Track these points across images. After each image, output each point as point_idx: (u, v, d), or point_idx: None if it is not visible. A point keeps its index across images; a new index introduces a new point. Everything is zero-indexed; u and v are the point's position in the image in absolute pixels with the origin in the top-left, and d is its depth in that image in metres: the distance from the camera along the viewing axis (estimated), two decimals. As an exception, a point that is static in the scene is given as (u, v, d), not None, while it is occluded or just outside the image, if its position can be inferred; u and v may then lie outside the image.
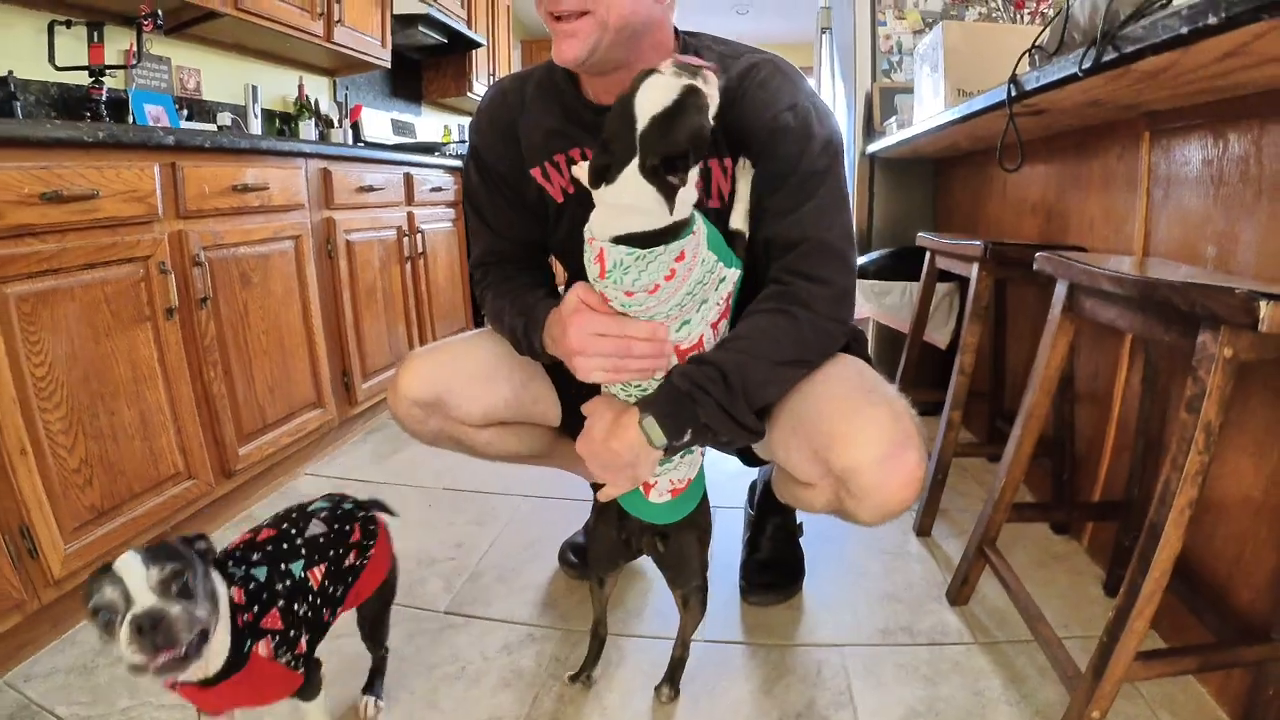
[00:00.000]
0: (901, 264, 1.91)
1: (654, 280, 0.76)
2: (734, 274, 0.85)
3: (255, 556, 0.80)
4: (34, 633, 1.09)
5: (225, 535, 1.51)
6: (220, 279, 1.43)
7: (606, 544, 1.00)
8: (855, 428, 0.80)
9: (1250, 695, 0.90)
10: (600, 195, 0.76)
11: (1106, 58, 0.85)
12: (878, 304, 1.84)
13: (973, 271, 1.37)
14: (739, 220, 0.89)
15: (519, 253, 1.06)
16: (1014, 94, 1.14)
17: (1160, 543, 0.76)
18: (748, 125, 0.86)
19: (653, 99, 0.72)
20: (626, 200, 0.73)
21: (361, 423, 2.16)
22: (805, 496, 0.91)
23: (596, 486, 0.92)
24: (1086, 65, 0.89)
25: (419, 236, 2.34)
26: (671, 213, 0.74)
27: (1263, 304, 0.65)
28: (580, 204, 0.90)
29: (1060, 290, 1.03)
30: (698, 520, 0.96)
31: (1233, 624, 0.94)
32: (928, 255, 1.64)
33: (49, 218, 1.05)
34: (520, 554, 1.45)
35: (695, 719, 1.00)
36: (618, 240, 0.75)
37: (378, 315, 2.11)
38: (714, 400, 0.79)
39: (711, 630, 1.14)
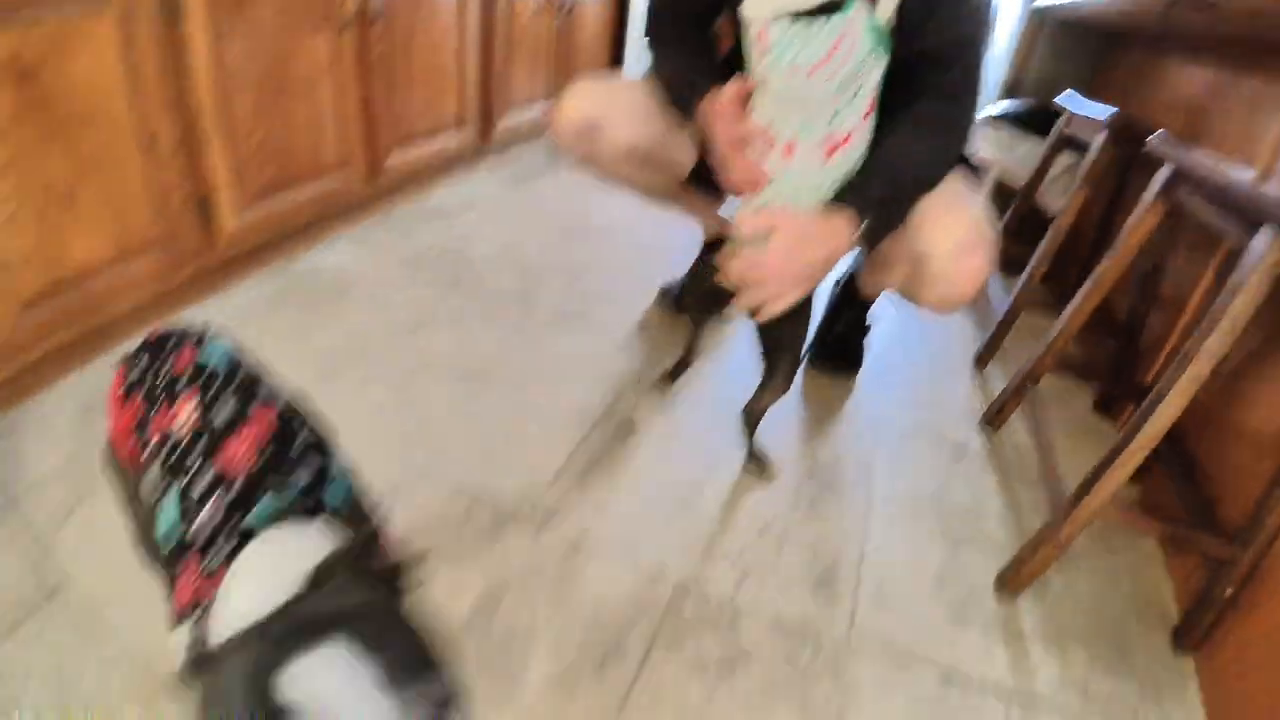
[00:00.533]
0: (1041, 120, 1.83)
1: (815, 58, 0.81)
2: (882, 65, 0.89)
3: None
4: (201, 285, 1.32)
5: (365, 231, 1.74)
6: (394, 3, 1.54)
7: (709, 289, 1.05)
8: (939, 222, 0.96)
9: (1203, 591, 0.97)
10: None
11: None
12: (1007, 153, 1.80)
13: (1097, 139, 1.36)
14: (888, 10, 0.88)
15: (697, 8, 1.11)
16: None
17: (1162, 404, 0.86)
18: None
19: None
20: None
21: (496, 155, 2.31)
22: (883, 276, 1.06)
23: (711, 245, 1.05)
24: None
25: (570, -6, 2.35)
26: None
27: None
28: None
29: (1163, 173, 1.07)
30: (805, 303, 1.00)
31: (1210, 521, 1.03)
32: (1061, 117, 1.59)
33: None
34: (625, 282, 1.64)
35: (734, 448, 1.19)
36: (778, 16, 0.80)
37: (524, 60, 2.19)
38: (901, 211, 0.95)
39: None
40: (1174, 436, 1.09)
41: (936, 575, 1.04)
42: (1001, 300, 1.60)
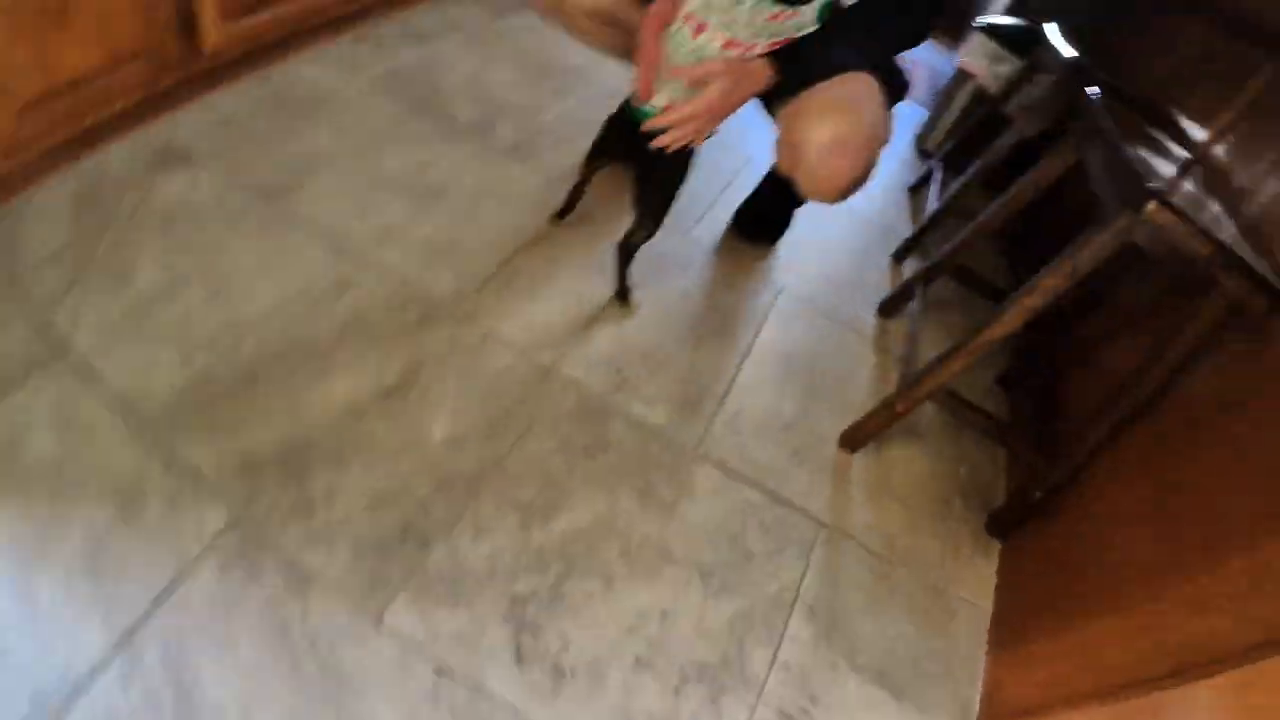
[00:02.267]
0: (1036, 44, 1.86)
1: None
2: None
3: None
4: (185, 91, 1.41)
5: (340, 50, 1.82)
6: None
7: (604, 135, 1.23)
8: (822, 115, 1.06)
9: (1019, 490, 1.20)
10: None
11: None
12: (989, 66, 1.86)
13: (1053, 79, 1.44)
14: None
15: None
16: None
17: (998, 321, 1.06)
18: None
19: None
20: None
21: None
22: (776, 153, 1.18)
23: (634, 117, 1.13)
24: None
25: None
26: None
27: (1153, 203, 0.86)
28: None
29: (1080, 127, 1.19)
30: (685, 159, 1.16)
31: (1045, 436, 1.24)
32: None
33: None
34: (579, 124, 1.74)
35: (646, 286, 1.38)
36: None
37: None
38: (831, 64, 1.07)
39: (689, 253, 1.50)
40: (1049, 363, 1.28)
41: (789, 420, 1.26)
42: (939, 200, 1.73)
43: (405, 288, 1.22)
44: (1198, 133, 1.31)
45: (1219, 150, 1.24)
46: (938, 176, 1.86)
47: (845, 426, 1.26)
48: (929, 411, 1.35)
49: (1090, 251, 0.96)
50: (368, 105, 1.61)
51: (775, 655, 0.95)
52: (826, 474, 1.20)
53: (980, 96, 1.96)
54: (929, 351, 1.26)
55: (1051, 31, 1.62)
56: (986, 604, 1.11)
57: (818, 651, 0.97)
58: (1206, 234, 0.86)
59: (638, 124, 1.11)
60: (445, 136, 1.59)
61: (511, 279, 1.30)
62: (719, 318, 1.39)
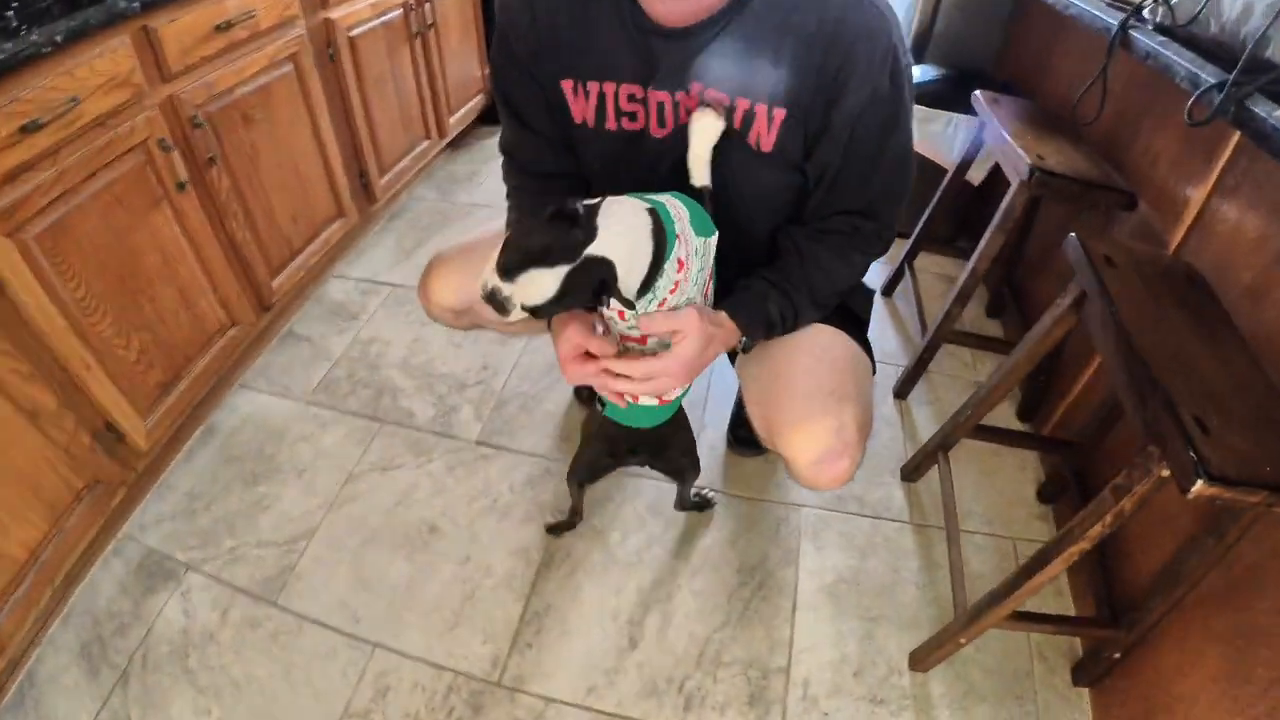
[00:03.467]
0: (955, 92, 1.76)
1: (663, 297, 0.85)
2: (713, 241, 0.90)
3: None
4: (137, 492, 1.41)
5: (270, 359, 1.78)
6: (224, 130, 1.43)
7: (593, 456, 1.19)
8: (799, 433, 0.95)
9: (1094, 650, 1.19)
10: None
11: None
12: (920, 131, 1.75)
13: (1012, 188, 1.37)
14: (702, 177, 0.91)
15: (553, 154, 1.02)
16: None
17: (1060, 553, 0.99)
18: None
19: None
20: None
21: (383, 213, 2.27)
22: (753, 420, 1.09)
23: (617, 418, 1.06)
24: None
25: (427, 6, 2.12)
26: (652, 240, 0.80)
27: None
28: (605, 140, 0.95)
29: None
30: (681, 415, 1.11)
31: (1107, 604, 1.20)
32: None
33: (38, 147, 1.06)
34: (540, 379, 1.72)
35: (672, 560, 1.36)
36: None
37: (390, 104, 2.05)
38: (790, 325, 0.99)
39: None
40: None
41: (857, 665, 1.23)
42: (918, 328, 1.67)
43: (440, 675, 1.20)
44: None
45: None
46: (908, 273, 1.78)
47: (911, 642, 1.25)
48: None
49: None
50: (321, 433, 1.58)
51: None
52: (910, 708, 1.19)
53: (922, 165, 1.86)
54: (970, 505, 1.28)
55: (982, 104, 1.53)
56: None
57: None
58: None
59: (623, 429, 1.08)
60: (411, 446, 1.55)
61: (540, 620, 1.28)
62: (753, 572, 1.36)
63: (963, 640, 1.14)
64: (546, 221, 0.76)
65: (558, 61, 0.92)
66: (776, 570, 1.35)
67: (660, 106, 0.90)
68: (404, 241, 2.20)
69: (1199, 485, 0.76)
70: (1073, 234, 1.07)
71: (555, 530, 1.40)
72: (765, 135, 0.88)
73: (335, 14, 1.73)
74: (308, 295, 1.93)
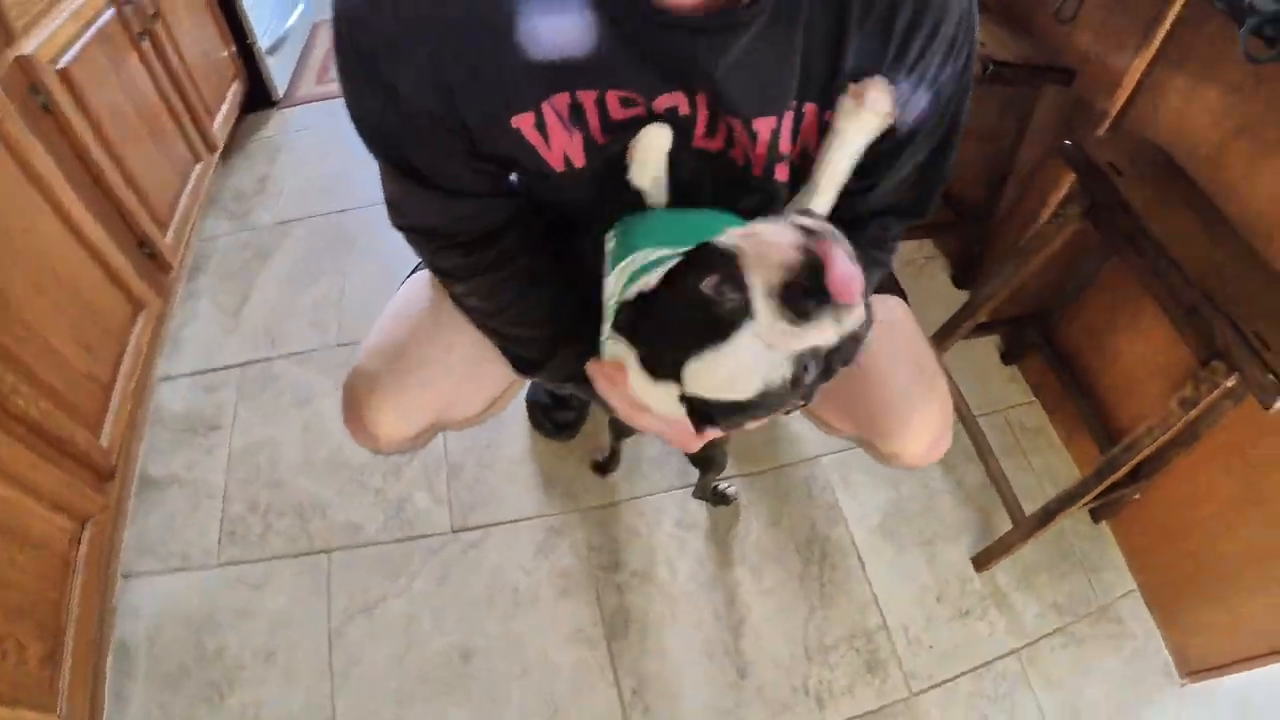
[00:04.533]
0: None
1: None
2: None
3: None
4: None
5: (143, 527, 1.34)
6: None
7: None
8: (911, 427, 0.87)
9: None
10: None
11: None
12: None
13: None
14: (825, 204, 0.67)
15: (488, 209, 0.73)
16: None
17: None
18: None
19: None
20: None
21: (180, 277, 1.70)
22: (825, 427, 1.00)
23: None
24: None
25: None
26: None
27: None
28: (600, 181, 0.68)
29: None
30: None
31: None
32: None
33: None
34: (484, 426, 1.47)
35: (730, 571, 1.31)
36: None
37: (139, 136, 1.44)
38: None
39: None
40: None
41: (936, 590, 1.32)
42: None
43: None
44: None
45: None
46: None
47: (965, 547, 1.36)
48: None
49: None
50: (261, 598, 1.26)
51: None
52: (991, 605, 1.31)
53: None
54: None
55: None
56: (1131, 583, 1.36)
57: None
58: None
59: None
60: (381, 568, 1.28)
61: (642, 696, 1.18)
62: (808, 547, 1.35)
63: (1031, 539, 1.25)
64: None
65: (499, 93, 0.62)
66: (829, 534, 1.36)
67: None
68: (223, 301, 1.68)
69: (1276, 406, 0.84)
70: (1068, 141, 1.07)
71: (602, 470, 1.36)
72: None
73: (28, 47, 1.13)
74: (144, 424, 1.44)
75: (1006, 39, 1.34)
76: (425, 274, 0.90)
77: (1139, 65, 1.18)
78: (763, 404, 0.50)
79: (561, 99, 0.62)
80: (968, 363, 1.58)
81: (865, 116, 0.61)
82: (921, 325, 0.94)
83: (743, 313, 0.46)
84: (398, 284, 0.94)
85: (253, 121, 2.14)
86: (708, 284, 0.48)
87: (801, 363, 0.48)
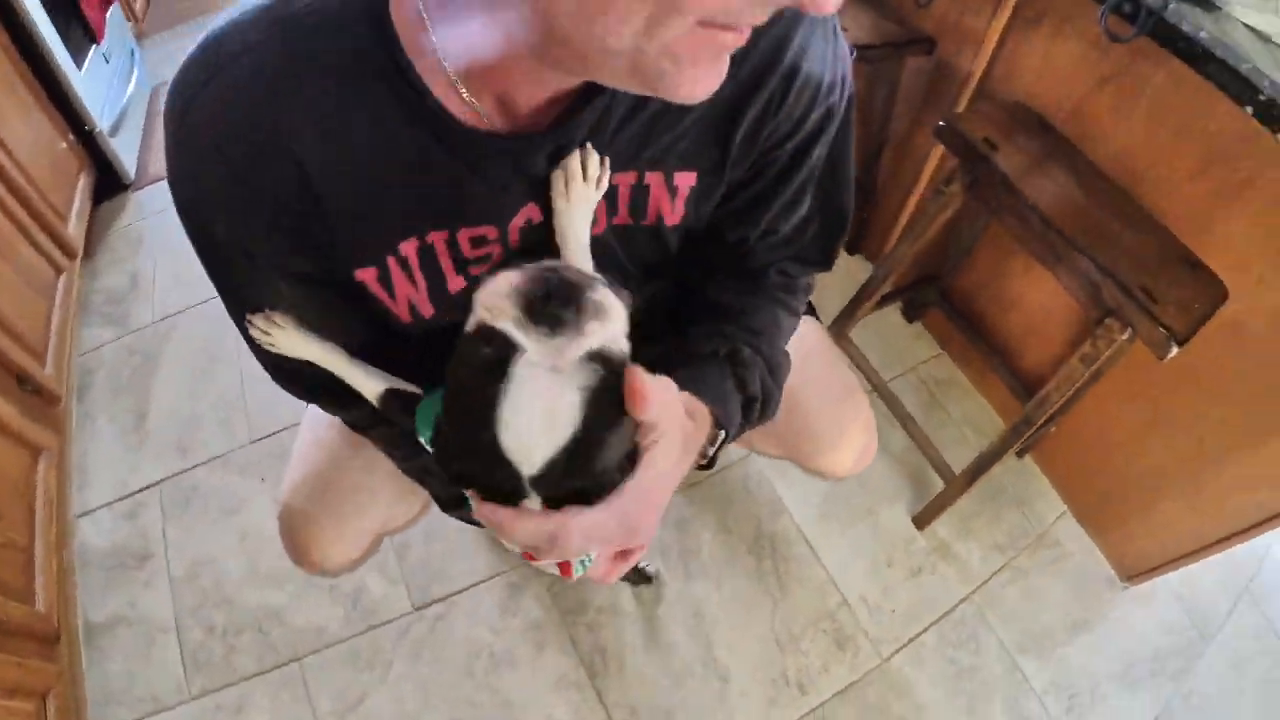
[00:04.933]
0: None
1: None
2: None
3: None
4: None
5: (101, 676, 1.30)
6: None
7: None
8: (839, 448, 0.91)
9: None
10: None
11: None
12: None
13: None
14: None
15: (366, 328, 0.67)
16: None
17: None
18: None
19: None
20: None
21: (69, 402, 1.61)
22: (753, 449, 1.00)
23: None
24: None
25: None
26: None
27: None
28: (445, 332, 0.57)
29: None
30: None
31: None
32: None
33: None
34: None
35: (690, 584, 1.36)
36: None
37: None
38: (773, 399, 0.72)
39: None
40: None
41: (885, 556, 1.40)
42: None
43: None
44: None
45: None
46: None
47: (903, 508, 1.46)
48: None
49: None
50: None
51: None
52: (939, 559, 1.41)
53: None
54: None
55: None
56: (1062, 507, 1.49)
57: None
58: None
59: None
60: (355, 662, 1.28)
61: (635, 731, 1.24)
62: (754, 539, 1.41)
63: (963, 496, 1.33)
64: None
65: (340, 243, 0.57)
66: (774, 528, 1.42)
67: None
68: (120, 417, 1.59)
69: (1174, 351, 0.92)
70: (942, 122, 1.11)
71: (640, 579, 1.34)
72: (669, 208, 0.66)
73: None
74: (73, 571, 1.39)
75: (868, 22, 1.36)
76: None
77: (996, 27, 1.22)
78: (595, 438, 0.45)
79: (409, 244, 0.58)
80: (871, 328, 1.63)
81: (575, 189, 0.58)
82: (822, 299, 0.94)
83: (508, 353, 0.42)
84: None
85: (108, 211, 2.01)
86: (470, 360, 0.44)
87: (592, 372, 0.43)
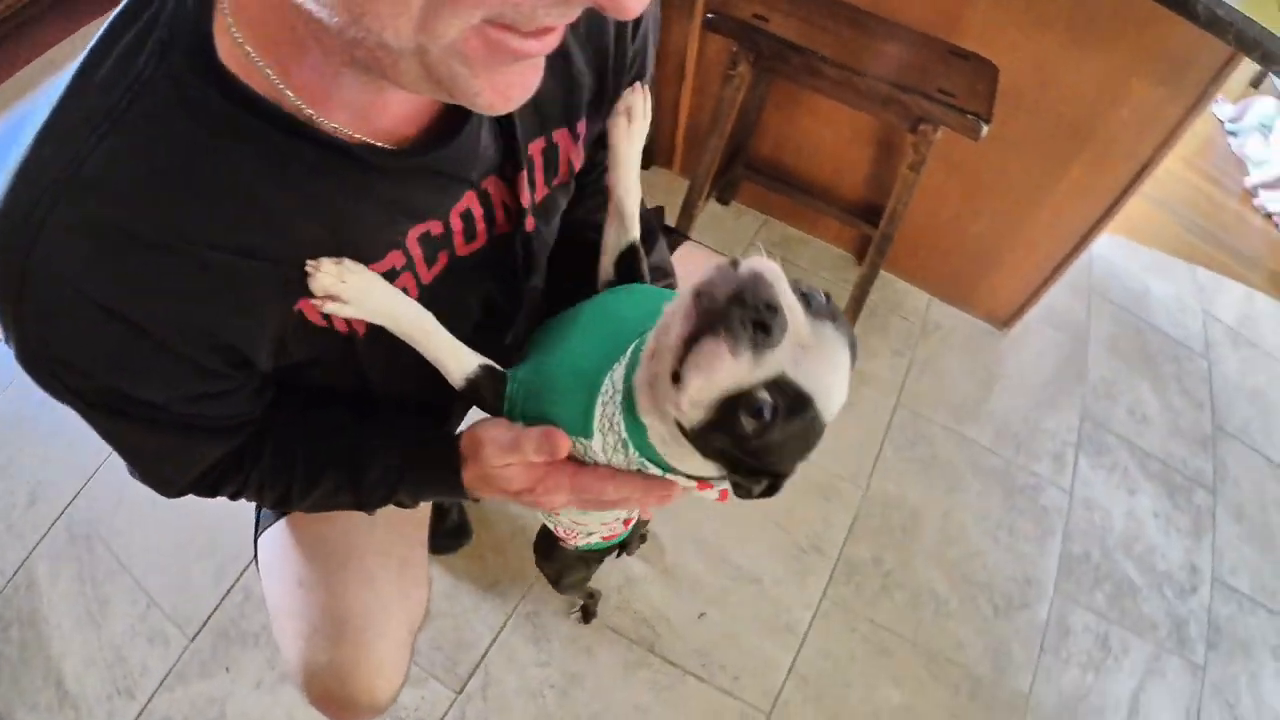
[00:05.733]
0: None
1: None
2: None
3: None
4: None
5: None
6: None
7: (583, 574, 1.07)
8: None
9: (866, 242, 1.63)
10: None
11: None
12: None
13: None
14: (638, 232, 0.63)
15: (256, 400, 0.60)
16: None
17: None
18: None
19: None
20: None
21: None
22: None
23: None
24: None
25: None
26: None
27: None
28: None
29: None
30: None
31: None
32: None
33: None
34: None
35: (686, 521, 1.43)
36: None
37: None
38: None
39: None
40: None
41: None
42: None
43: None
44: None
45: None
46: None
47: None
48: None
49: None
50: None
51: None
52: (855, 385, 1.57)
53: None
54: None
55: None
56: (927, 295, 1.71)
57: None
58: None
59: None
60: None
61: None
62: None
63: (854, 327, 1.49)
64: None
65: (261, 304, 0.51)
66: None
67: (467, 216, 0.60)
68: (32, 694, 1.33)
69: (985, 130, 1.08)
70: (710, 14, 1.18)
71: (588, 616, 1.34)
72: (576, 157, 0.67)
73: None
74: None
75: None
76: (277, 528, 0.83)
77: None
78: None
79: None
80: (696, 227, 1.72)
81: (636, 127, 0.59)
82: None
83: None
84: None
85: None
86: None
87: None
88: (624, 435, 0.53)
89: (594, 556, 0.97)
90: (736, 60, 1.23)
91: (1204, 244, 2.32)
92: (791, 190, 1.66)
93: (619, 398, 0.52)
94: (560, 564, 1.00)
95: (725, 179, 1.73)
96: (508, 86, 0.40)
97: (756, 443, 0.44)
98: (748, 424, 0.42)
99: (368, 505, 0.68)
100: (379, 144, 0.48)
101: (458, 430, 0.63)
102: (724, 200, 1.80)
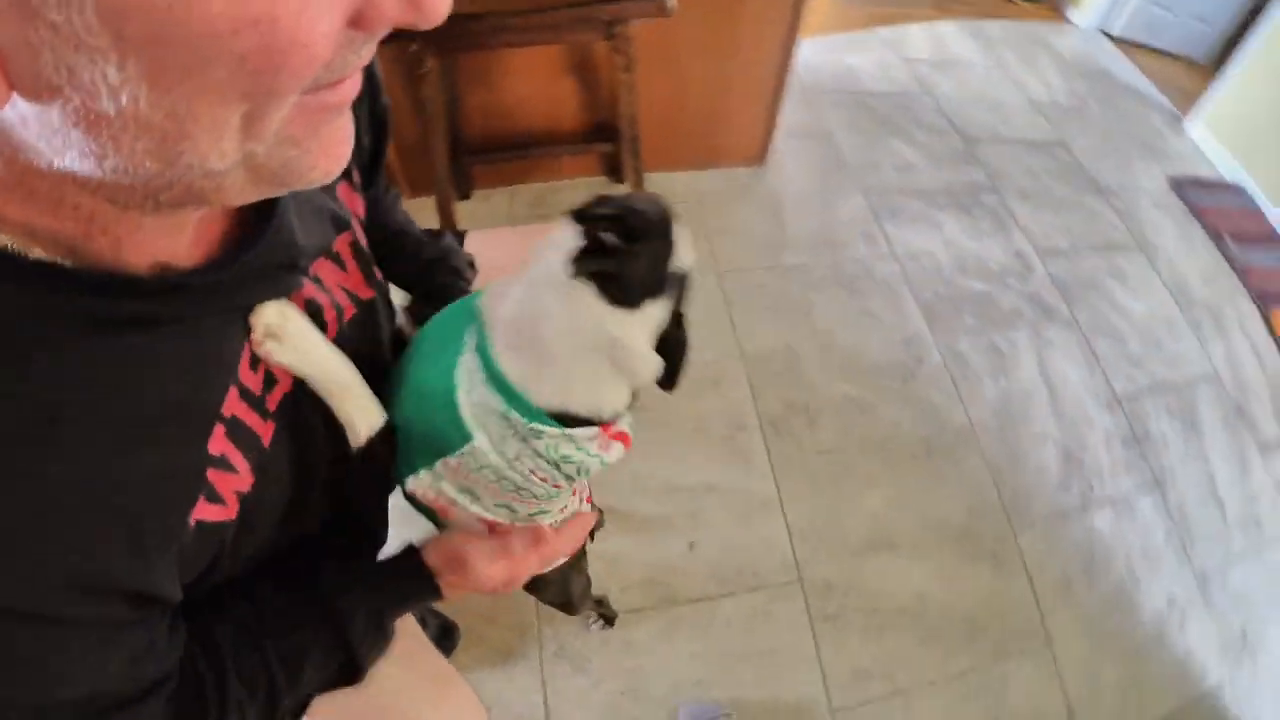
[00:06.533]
0: None
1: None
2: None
3: None
4: None
5: None
6: None
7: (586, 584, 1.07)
8: None
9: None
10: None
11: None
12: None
13: None
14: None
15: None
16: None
17: None
18: None
19: None
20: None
21: None
22: None
23: None
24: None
25: None
26: None
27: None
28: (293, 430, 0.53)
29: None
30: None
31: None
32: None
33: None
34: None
35: (624, 469, 1.47)
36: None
37: None
38: None
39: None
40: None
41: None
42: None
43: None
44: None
45: None
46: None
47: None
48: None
49: None
50: None
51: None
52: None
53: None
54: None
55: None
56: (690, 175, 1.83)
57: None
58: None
59: None
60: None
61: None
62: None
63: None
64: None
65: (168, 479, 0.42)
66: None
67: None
68: None
69: (673, 2, 1.19)
70: None
71: (608, 619, 1.35)
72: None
73: None
74: None
75: None
76: None
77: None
78: None
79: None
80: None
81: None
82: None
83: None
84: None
85: None
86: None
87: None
88: (502, 409, 0.53)
89: (579, 556, 0.98)
90: (421, 57, 1.26)
91: (874, 6, 2.62)
92: (520, 151, 1.69)
93: (481, 377, 0.53)
94: (559, 584, 0.99)
95: (459, 174, 1.74)
96: (335, 144, 0.38)
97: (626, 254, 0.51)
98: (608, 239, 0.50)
99: (362, 656, 0.60)
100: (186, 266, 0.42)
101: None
102: (465, 195, 1.79)
